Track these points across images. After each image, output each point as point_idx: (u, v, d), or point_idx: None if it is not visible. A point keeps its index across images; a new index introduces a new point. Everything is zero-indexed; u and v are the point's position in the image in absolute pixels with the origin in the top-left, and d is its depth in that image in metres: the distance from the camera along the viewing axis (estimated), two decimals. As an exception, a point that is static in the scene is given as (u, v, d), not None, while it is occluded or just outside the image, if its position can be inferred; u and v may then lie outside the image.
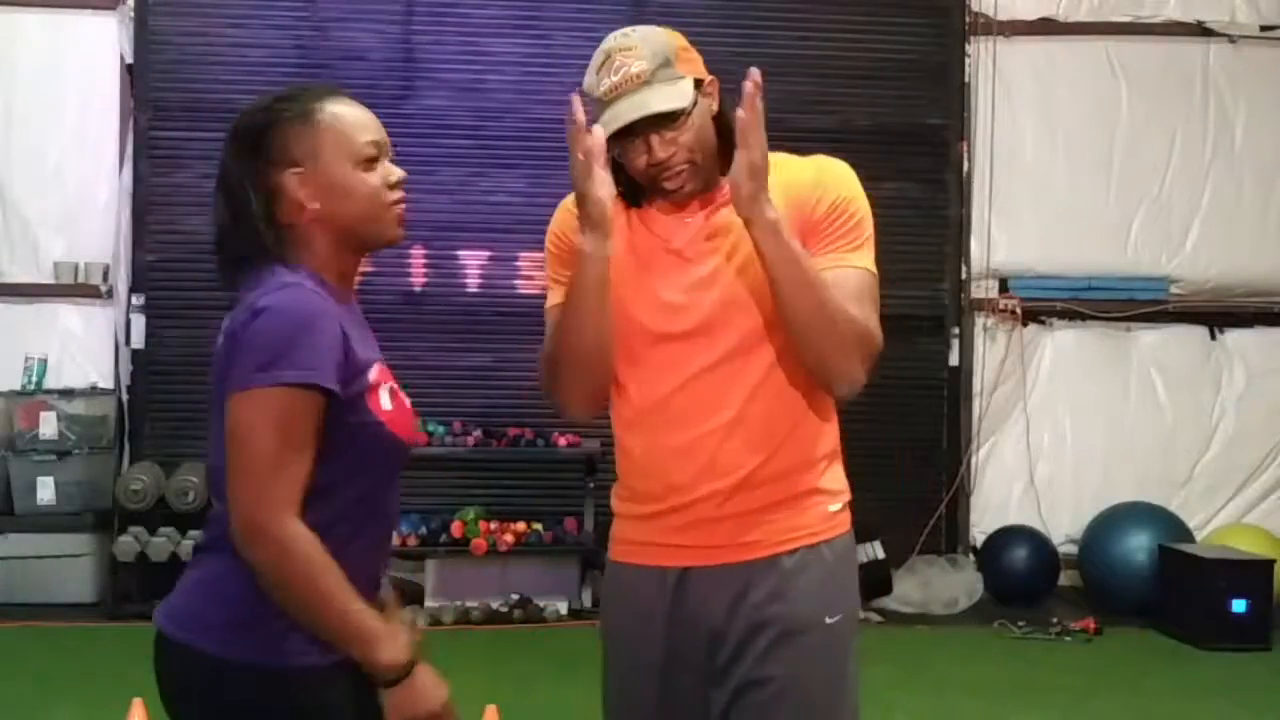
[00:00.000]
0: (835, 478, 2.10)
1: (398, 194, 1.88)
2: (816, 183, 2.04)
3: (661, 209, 2.07)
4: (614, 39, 2.01)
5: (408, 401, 1.91)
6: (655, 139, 1.97)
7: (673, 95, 1.96)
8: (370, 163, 1.86)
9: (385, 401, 1.84)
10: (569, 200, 2.12)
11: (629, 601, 2.09)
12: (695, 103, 1.98)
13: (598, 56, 2.01)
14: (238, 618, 1.77)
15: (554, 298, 2.13)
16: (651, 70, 1.96)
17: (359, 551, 1.82)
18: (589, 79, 2.01)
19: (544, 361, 2.08)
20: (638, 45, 1.98)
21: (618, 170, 2.03)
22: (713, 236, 2.03)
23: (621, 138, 1.97)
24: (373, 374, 1.83)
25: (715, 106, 2.04)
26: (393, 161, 1.91)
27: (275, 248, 1.83)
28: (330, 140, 1.84)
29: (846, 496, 2.11)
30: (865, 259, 2.03)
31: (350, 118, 1.88)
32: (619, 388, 2.08)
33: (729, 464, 1.99)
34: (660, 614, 2.03)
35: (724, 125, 2.01)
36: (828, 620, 2.01)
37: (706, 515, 2.00)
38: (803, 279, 1.93)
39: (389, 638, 1.76)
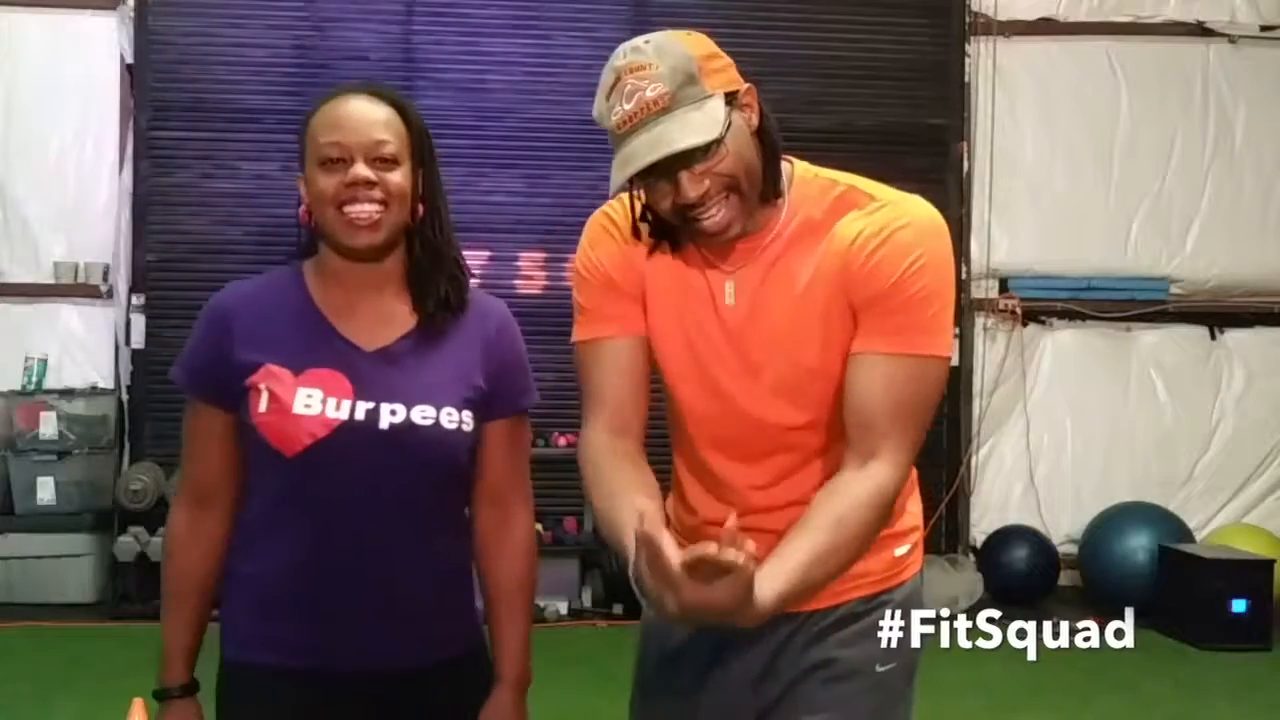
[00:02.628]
0: (905, 512, 1.88)
1: (346, 196, 1.75)
2: (876, 259, 1.69)
3: (701, 255, 1.78)
4: (624, 55, 1.66)
5: (309, 409, 1.76)
6: (685, 175, 1.65)
7: (698, 124, 1.62)
8: (331, 164, 1.76)
9: (262, 404, 1.77)
10: (601, 217, 1.86)
11: (672, 629, 1.88)
12: (729, 124, 1.64)
13: (607, 76, 1.67)
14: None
15: (582, 331, 1.85)
16: (672, 93, 1.63)
17: (277, 569, 1.82)
18: (598, 105, 1.68)
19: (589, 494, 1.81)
20: (652, 62, 1.63)
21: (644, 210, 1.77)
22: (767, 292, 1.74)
23: (643, 176, 1.67)
24: (255, 376, 1.78)
25: (755, 120, 1.71)
26: (378, 160, 1.76)
27: (306, 248, 1.89)
28: (310, 143, 1.80)
29: (918, 535, 1.90)
30: (933, 336, 1.69)
31: (326, 119, 1.78)
32: (675, 416, 1.89)
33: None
34: (705, 646, 1.87)
35: (768, 139, 1.72)
36: (878, 669, 1.85)
37: None
38: (839, 571, 1.69)
39: (168, 658, 1.91)
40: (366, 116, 1.77)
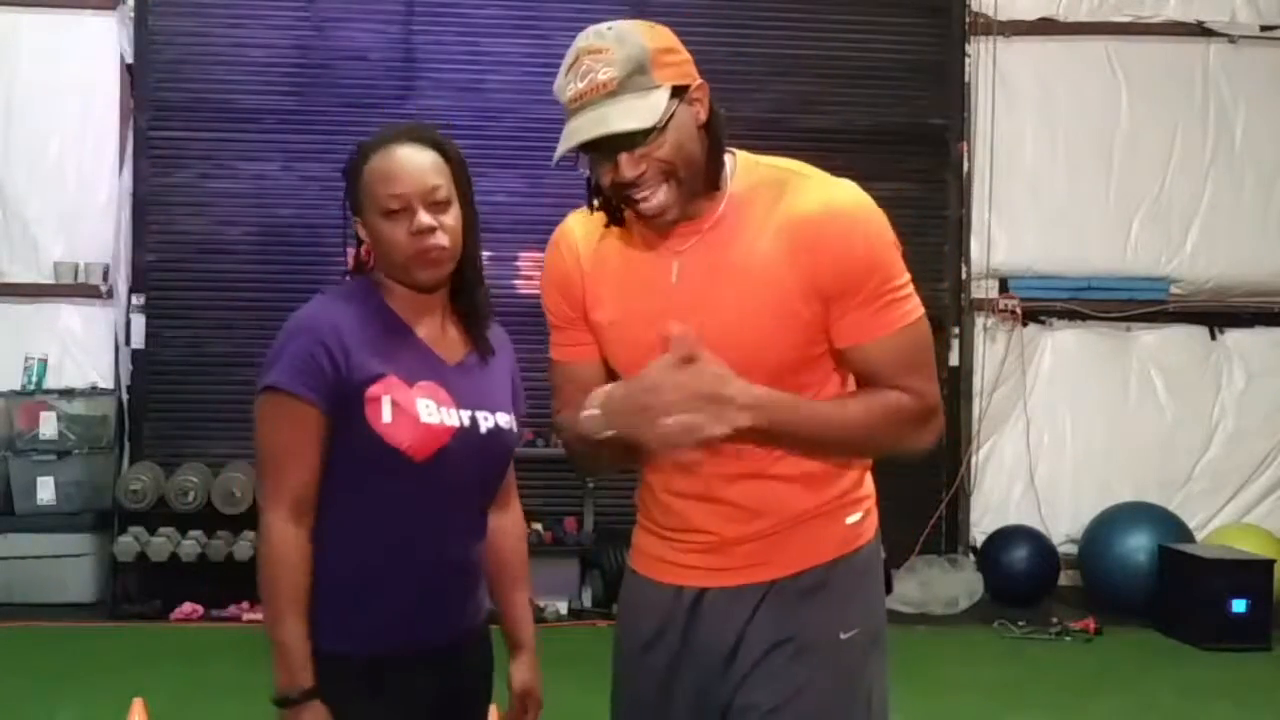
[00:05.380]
0: (857, 484, 1.98)
1: (419, 243, 1.92)
2: (820, 236, 1.80)
3: (645, 238, 1.91)
4: (586, 37, 1.80)
5: (431, 417, 1.92)
6: (624, 156, 1.78)
7: (639, 111, 1.75)
8: (393, 214, 1.92)
9: (386, 414, 1.90)
10: (553, 238, 2.04)
11: (644, 615, 2.03)
12: (672, 115, 1.77)
13: (569, 55, 1.82)
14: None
15: (558, 350, 2.05)
16: (620, 79, 1.75)
17: (386, 583, 1.94)
18: (558, 80, 1.84)
19: (570, 451, 2.03)
20: (610, 48, 1.76)
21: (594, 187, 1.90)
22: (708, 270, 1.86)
23: (589, 150, 1.81)
24: (375, 388, 1.90)
25: (703, 115, 1.82)
26: (434, 204, 1.93)
27: (358, 269, 2.04)
28: (367, 194, 1.95)
29: (869, 503, 2.00)
30: (902, 310, 1.86)
31: (381, 170, 1.94)
32: None
33: (757, 505, 1.92)
34: (675, 631, 1.98)
35: (714, 135, 1.84)
36: (842, 636, 1.92)
37: (722, 541, 1.93)
38: (828, 435, 1.86)
39: (296, 664, 1.88)
40: (419, 164, 1.94)
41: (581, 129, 1.77)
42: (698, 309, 1.83)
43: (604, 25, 1.81)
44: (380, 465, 1.91)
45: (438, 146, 1.98)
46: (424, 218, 1.91)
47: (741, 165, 1.91)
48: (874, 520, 2.01)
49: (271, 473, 1.91)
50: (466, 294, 2.03)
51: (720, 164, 1.86)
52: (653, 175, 1.79)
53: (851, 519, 1.96)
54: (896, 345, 1.85)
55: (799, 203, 1.83)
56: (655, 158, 1.78)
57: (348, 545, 1.94)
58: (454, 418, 1.95)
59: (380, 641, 1.95)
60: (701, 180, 1.84)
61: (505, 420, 2.03)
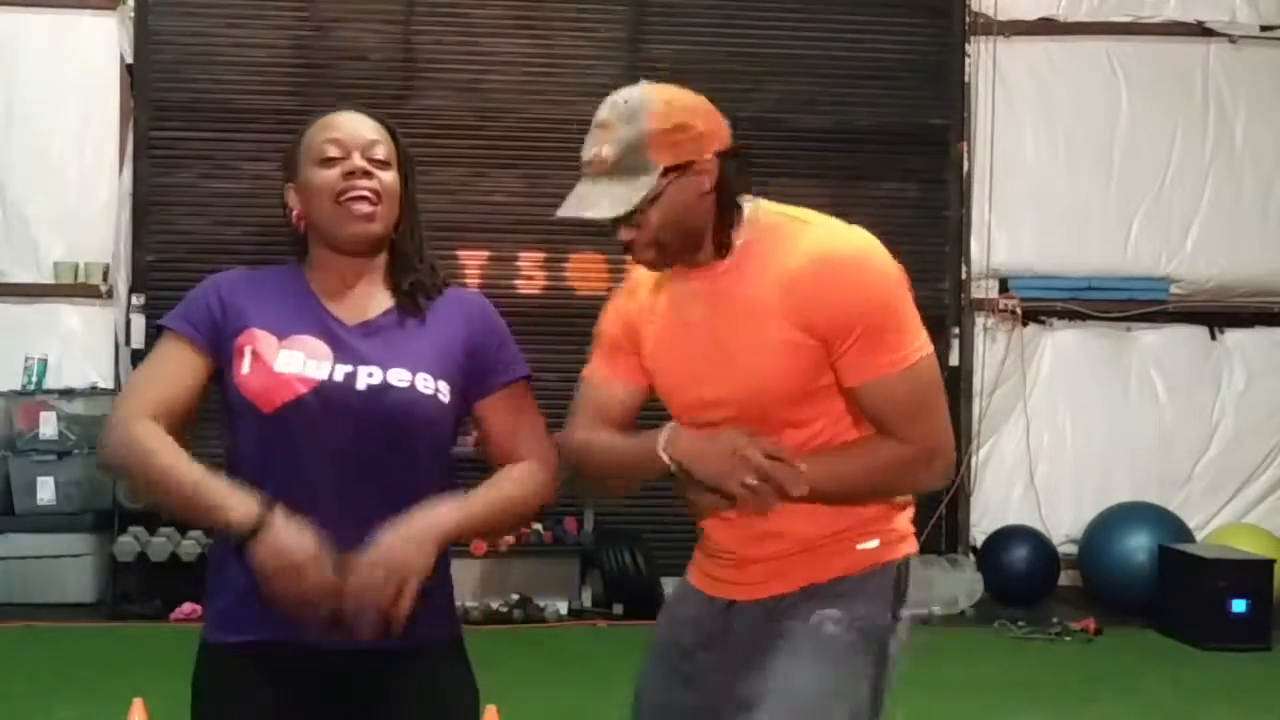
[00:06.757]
0: (879, 517, 2.06)
1: (344, 187, 1.88)
2: (807, 284, 1.92)
3: (682, 277, 2.06)
4: (608, 107, 1.95)
5: (288, 368, 1.84)
6: (619, 225, 1.96)
7: (618, 198, 1.90)
8: (328, 161, 1.89)
9: (245, 365, 1.86)
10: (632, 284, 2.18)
11: (685, 618, 2.16)
12: (660, 193, 1.90)
13: (595, 116, 1.96)
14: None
15: (591, 370, 2.18)
16: (613, 160, 1.91)
17: (230, 559, 1.84)
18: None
19: (580, 466, 2.11)
20: (616, 125, 1.91)
21: None
22: (720, 308, 2.00)
23: None
24: (241, 338, 1.88)
25: (708, 184, 1.94)
26: (372, 160, 1.90)
27: (300, 254, 1.99)
28: (305, 151, 1.93)
29: (893, 535, 2.07)
30: (898, 354, 1.92)
31: (324, 121, 1.93)
32: None
33: (770, 529, 2.02)
34: (705, 634, 2.11)
35: (723, 199, 1.97)
36: (829, 628, 1.99)
37: (742, 560, 2.08)
38: (832, 489, 1.96)
39: (237, 501, 1.77)
40: (361, 122, 1.94)
41: (570, 203, 1.95)
42: (712, 344, 2.00)
43: (630, 92, 1.95)
44: (238, 418, 1.87)
45: (385, 125, 1.97)
46: (359, 159, 1.89)
47: (754, 214, 2.02)
48: (896, 550, 2.07)
49: (131, 389, 1.91)
50: (403, 270, 1.95)
51: (729, 223, 1.99)
52: (641, 242, 1.96)
53: (864, 545, 2.04)
54: (893, 389, 1.93)
55: (792, 251, 1.95)
56: (642, 228, 1.94)
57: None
58: (321, 370, 1.84)
59: (223, 631, 1.87)
60: (702, 239, 1.98)
61: (402, 377, 1.86)
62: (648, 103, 1.93)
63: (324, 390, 1.84)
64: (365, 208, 1.88)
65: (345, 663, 1.84)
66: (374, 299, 1.95)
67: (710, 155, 1.94)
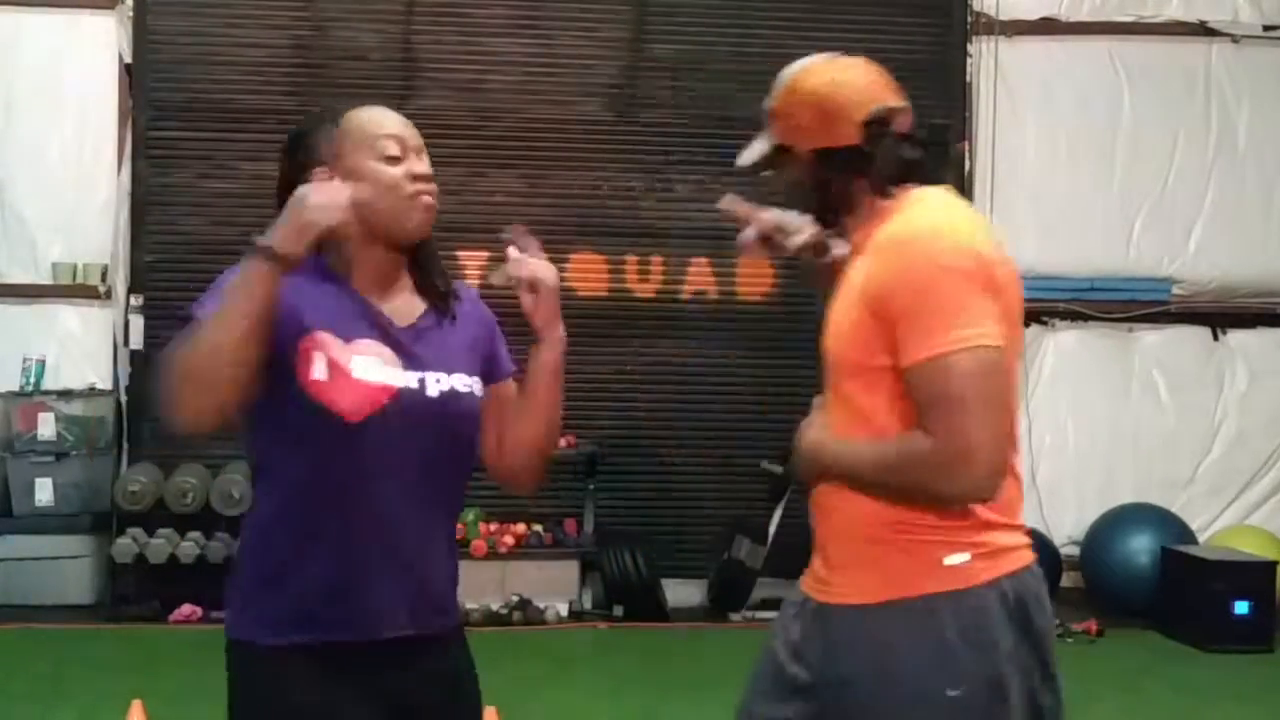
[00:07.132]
0: (957, 527, 1.92)
1: (418, 185, 1.90)
2: (878, 256, 1.96)
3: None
4: (790, 69, 2.08)
5: (369, 375, 1.82)
6: None
7: (752, 152, 2.10)
8: (393, 159, 1.90)
9: (319, 370, 1.80)
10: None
11: (789, 612, 2.13)
12: (770, 164, 2.08)
13: None
14: (230, 598, 1.96)
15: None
16: (762, 119, 2.09)
17: (318, 553, 1.83)
18: None
19: None
20: (776, 88, 2.07)
21: None
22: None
23: None
24: (307, 341, 1.81)
25: (801, 174, 2.06)
26: (422, 161, 1.94)
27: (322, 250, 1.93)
28: (353, 138, 1.91)
29: (978, 548, 1.93)
30: (938, 339, 1.83)
31: (374, 116, 1.94)
32: None
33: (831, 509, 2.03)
34: (797, 630, 2.07)
35: (823, 190, 2.07)
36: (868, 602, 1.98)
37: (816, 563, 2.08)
38: (857, 476, 1.95)
39: (258, 239, 1.78)
40: (406, 123, 1.96)
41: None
42: (834, 308, 2.05)
43: (810, 60, 2.07)
44: (307, 427, 1.80)
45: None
46: (423, 164, 1.92)
47: (902, 200, 2.05)
48: (978, 573, 1.94)
49: (175, 356, 1.86)
50: (424, 260, 1.97)
51: (835, 211, 2.07)
52: (788, 198, 2.15)
53: (952, 559, 1.92)
54: (928, 375, 1.84)
55: (884, 228, 2.00)
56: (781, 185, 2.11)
57: (266, 522, 1.88)
58: (396, 377, 1.84)
59: (286, 633, 1.86)
60: (821, 215, 2.13)
61: (464, 383, 1.91)
62: (784, 80, 2.06)
63: (404, 398, 1.84)
64: (430, 204, 1.92)
65: (397, 655, 1.88)
66: (411, 300, 1.96)
67: (807, 149, 2.03)
